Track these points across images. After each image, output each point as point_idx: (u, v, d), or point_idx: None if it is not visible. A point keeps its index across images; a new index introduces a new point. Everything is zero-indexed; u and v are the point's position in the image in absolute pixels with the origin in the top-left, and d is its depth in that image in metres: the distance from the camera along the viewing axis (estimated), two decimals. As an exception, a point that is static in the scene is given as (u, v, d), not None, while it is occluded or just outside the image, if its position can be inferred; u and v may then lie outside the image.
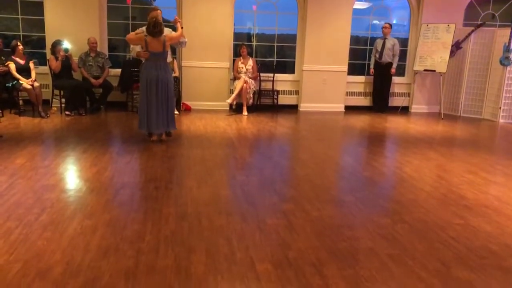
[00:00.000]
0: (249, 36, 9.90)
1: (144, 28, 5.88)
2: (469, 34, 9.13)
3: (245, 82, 8.56)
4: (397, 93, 9.86)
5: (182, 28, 6.00)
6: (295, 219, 3.50)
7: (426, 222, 3.56)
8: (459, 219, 3.63)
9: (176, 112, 8.27)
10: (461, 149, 6.43)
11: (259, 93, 9.20)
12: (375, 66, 9.44)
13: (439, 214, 3.74)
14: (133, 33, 5.95)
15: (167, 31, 6.01)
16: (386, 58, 9.29)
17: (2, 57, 7.53)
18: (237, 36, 9.52)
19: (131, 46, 6.59)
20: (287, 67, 9.78)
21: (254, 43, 9.74)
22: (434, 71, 9.19)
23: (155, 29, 5.50)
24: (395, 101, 9.80)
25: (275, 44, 9.65)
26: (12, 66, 7.35)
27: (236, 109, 8.93)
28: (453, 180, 4.77)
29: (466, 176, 4.94)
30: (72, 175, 4.59)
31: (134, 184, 4.25)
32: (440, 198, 4.16)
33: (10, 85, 7.37)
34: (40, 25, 8.57)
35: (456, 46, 9.23)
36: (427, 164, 5.46)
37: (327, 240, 3.16)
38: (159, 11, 5.99)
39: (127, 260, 2.74)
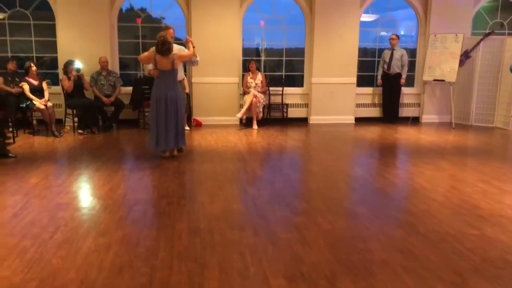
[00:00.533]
0: (257, 51, 9.99)
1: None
2: (478, 43, 9.10)
3: (255, 96, 8.61)
4: (407, 103, 9.84)
5: (194, 47, 6.06)
6: (308, 232, 3.49)
7: (440, 233, 3.53)
8: (473, 230, 3.60)
9: (187, 128, 8.36)
10: (474, 158, 6.38)
11: (269, 107, 9.24)
12: (384, 77, 9.45)
13: (453, 224, 3.71)
14: (145, 53, 6.01)
15: (178, 49, 6.07)
16: (395, 69, 9.30)
17: (16, 79, 7.68)
18: (246, 51, 9.61)
19: (143, 64, 6.67)
20: (296, 81, 9.83)
21: (262, 58, 9.82)
22: (444, 80, 9.16)
23: (163, 47, 5.56)
24: (405, 112, 9.77)
25: (284, 58, 9.71)
26: (26, 87, 7.49)
27: (246, 123, 8.97)
28: (466, 190, 4.72)
29: (479, 185, 4.89)
30: (85, 193, 4.64)
31: (147, 200, 4.28)
32: (454, 208, 4.13)
33: (24, 105, 7.50)
34: (52, 46, 8.75)
35: (465, 56, 9.20)
36: (439, 174, 5.42)
37: (340, 253, 3.14)
38: (171, 30, 6.06)
39: (141, 277, 2.75)
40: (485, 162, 6.01)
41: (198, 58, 6.33)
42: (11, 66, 7.95)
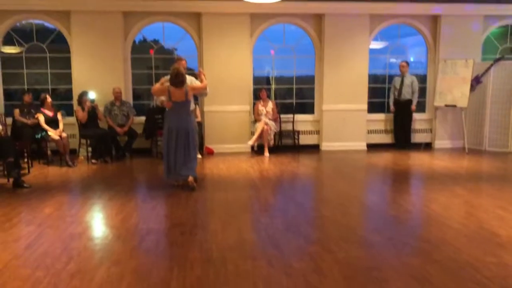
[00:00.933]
0: (268, 80, 10.10)
1: (167, 77, 6.04)
2: (489, 68, 9.10)
3: (266, 124, 8.66)
4: (419, 129, 9.80)
5: (205, 78, 6.13)
6: (322, 262, 3.44)
7: (458, 261, 3.45)
8: (492, 257, 3.51)
9: (199, 156, 8.40)
10: (489, 184, 6.29)
11: (280, 134, 9.27)
12: (395, 103, 9.46)
13: (471, 252, 3.63)
14: (157, 84, 6.05)
15: (189, 80, 6.14)
16: (406, 95, 9.32)
17: (32, 110, 7.84)
18: (256, 79, 9.72)
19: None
20: (307, 108, 9.88)
21: (273, 86, 9.92)
22: (455, 106, 9.14)
23: (177, 79, 5.62)
24: (417, 138, 9.73)
25: (294, 86, 9.80)
26: (41, 118, 7.63)
27: (257, 150, 9.00)
28: (483, 217, 4.64)
29: (496, 211, 4.81)
30: (98, 223, 4.65)
31: (160, 230, 4.27)
32: (471, 236, 4.05)
33: (39, 136, 7.62)
34: (67, 78, 8.95)
35: (476, 81, 9.19)
36: (455, 200, 5.34)
37: (355, 283, 3.09)
38: (183, 61, 6.15)
39: (154, 308, 2.72)
40: (501, 188, 5.91)
41: (208, 91, 6.37)
42: (27, 98, 8.18)
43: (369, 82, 9.56)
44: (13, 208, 5.03)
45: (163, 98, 6.04)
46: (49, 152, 7.96)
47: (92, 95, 8.07)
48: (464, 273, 3.24)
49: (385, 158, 8.42)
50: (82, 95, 8.08)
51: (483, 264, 3.39)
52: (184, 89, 5.71)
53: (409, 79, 9.36)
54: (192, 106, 6.23)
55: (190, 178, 5.80)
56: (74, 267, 3.35)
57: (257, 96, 9.24)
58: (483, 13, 9.45)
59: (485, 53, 9.81)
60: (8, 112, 8.57)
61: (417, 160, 8.26)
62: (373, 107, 9.83)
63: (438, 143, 9.72)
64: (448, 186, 6.02)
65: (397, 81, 9.46)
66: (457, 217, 4.67)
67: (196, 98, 8.40)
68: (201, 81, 6.14)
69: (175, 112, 5.78)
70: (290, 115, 9.35)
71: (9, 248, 3.77)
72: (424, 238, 4.04)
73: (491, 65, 9.09)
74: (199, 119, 8.65)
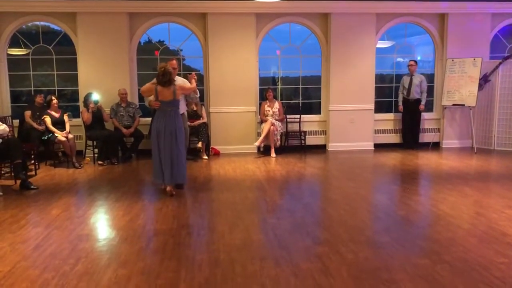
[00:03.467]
0: (274, 80, 10.07)
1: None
2: (497, 67, 9.03)
3: (272, 124, 8.63)
4: (427, 129, 9.74)
5: (196, 84, 6.06)
6: (330, 263, 3.41)
7: (468, 261, 3.41)
8: (503, 258, 3.47)
9: (205, 157, 8.40)
10: (498, 183, 6.22)
11: (286, 134, 9.24)
12: (404, 103, 9.40)
13: (480, 252, 3.59)
14: (146, 84, 5.85)
15: (182, 81, 6.07)
16: (414, 94, 9.26)
17: (37, 113, 7.84)
18: (262, 80, 9.70)
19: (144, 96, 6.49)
20: (313, 108, 9.84)
21: (279, 86, 9.89)
22: (463, 105, 9.07)
23: (164, 78, 5.49)
24: (425, 137, 9.66)
25: (300, 86, 9.77)
26: (47, 119, 7.65)
27: (264, 151, 8.97)
28: (492, 216, 4.59)
29: (506, 211, 4.75)
30: (105, 224, 4.65)
31: (167, 231, 4.26)
32: (480, 236, 4.01)
33: (46, 138, 7.65)
34: (73, 79, 8.97)
35: (484, 80, 9.12)
36: (464, 200, 5.29)
37: (364, 284, 3.06)
38: (173, 60, 6.01)
39: (161, 310, 2.71)
40: (510, 188, 5.85)
41: (198, 95, 6.29)
42: (39, 99, 8.15)
43: (376, 82, 9.51)
44: (21, 209, 5.04)
45: (151, 98, 5.85)
46: (60, 154, 7.98)
47: (95, 96, 8.06)
48: (475, 273, 3.20)
49: (392, 158, 8.37)
50: (88, 97, 8.09)
51: (494, 264, 3.35)
52: (172, 88, 5.57)
53: (418, 78, 9.30)
54: (183, 108, 6.06)
55: (168, 188, 5.58)
56: (81, 269, 3.34)
57: (263, 97, 9.22)
58: (491, 11, 9.37)
59: (493, 51, 9.72)
60: (15, 114, 8.61)
61: (425, 159, 8.20)
62: (380, 107, 9.78)
63: (446, 143, 9.65)
64: (457, 186, 5.97)
65: (405, 80, 9.40)
66: (466, 217, 4.62)
67: (202, 99, 8.42)
68: (191, 83, 6.08)
69: (163, 112, 5.61)
70: (297, 116, 9.32)
71: (17, 249, 3.78)
72: (433, 238, 4.00)
73: (500, 63, 9.01)
74: (205, 119, 8.65)
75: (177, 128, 5.59)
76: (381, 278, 3.14)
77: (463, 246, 3.74)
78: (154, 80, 5.70)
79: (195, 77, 6.18)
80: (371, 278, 3.15)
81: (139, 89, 9.21)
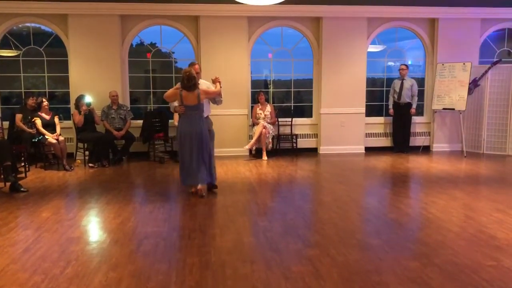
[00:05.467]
0: (266, 83, 10.10)
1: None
2: (486, 71, 9.13)
3: (264, 127, 8.65)
4: (418, 132, 9.81)
5: (221, 87, 5.98)
6: (321, 265, 3.43)
7: (457, 264, 3.45)
8: (491, 261, 3.51)
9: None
10: (487, 187, 6.29)
11: (278, 137, 9.26)
12: (395, 106, 9.46)
13: (469, 255, 3.63)
14: (170, 89, 5.88)
15: (206, 85, 5.99)
16: (405, 98, 9.32)
17: (29, 116, 7.77)
18: (254, 83, 9.72)
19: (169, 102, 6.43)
20: (305, 111, 9.88)
21: (271, 89, 9.91)
22: (453, 109, 9.15)
23: (189, 83, 5.52)
24: (416, 141, 9.74)
25: (292, 89, 9.80)
26: (38, 121, 7.60)
27: (255, 154, 8.98)
28: (481, 220, 4.64)
29: (494, 215, 4.81)
30: (96, 227, 4.62)
31: (158, 233, 4.25)
32: (470, 239, 4.04)
33: (36, 140, 7.59)
34: (65, 82, 8.92)
35: (474, 84, 9.22)
36: (453, 203, 5.34)
37: (355, 286, 3.07)
38: (196, 65, 5.96)
39: (152, 313, 2.70)
40: (499, 191, 5.92)
41: (222, 98, 6.22)
42: (31, 102, 8.01)
43: (367, 86, 9.57)
44: (10, 212, 5.00)
45: (175, 103, 5.81)
46: (50, 156, 7.93)
47: (88, 98, 8.03)
48: (464, 276, 3.23)
49: (383, 161, 8.42)
50: (79, 99, 8.05)
51: (482, 267, 3.38)
52: (196, 92, 5.60)
53: (409, 82, 9.37)
54: (208, 111, 6.07)
55: (199, 187, 5.72)
56: (72, 272, 3.32)
57: (255, 100, 9.23)
58: (480, 17, 9.48)
59: (483, 56, 9.84)
60: (4, 116, 8.54)
61: (416, 163, 8.26)
62: (371, 111, 9.84)
63: (436, 146, 9.73)
64: (447, 189, 6.03)
65: (396, 84, 9.47)
66: (456, 220, 4.67)
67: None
68: (216, 87, 6.00)
69: (187, 116, 5.67)
70: (288, 119, 9.35)
71: (7, 252, 3.75)
72: (423, 241, 4.03)
73: (489, 68, 9.12)
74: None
75: (202, 131, 5.66)
76: (372, 280, 3.16)
77: (452, 249, 3.77)
78: (178, 85, 5.72)
79: (220, 80, 6.07)
80: (361, 280, 3.17)
81: (130, 92, 9.21)
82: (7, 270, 3.36)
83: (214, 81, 6.06)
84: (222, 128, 9.03)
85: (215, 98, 6.04)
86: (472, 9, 9.32)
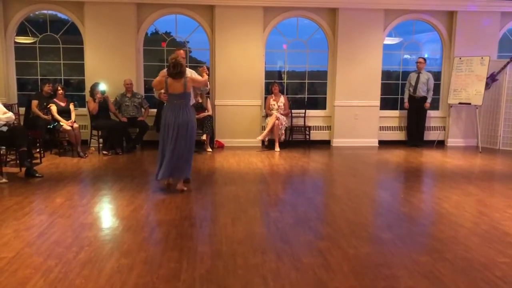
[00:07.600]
0: (280, 74, 10.06)
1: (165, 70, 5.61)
2: (505, 66, 8.96)
3: (277, 118, 8.63)
4: (432, 127, 9.71)
5: (208, 76, 5.82)
6: (332, 258, 3.43)
7: (469, 260, 3.42)
8: (504, 257, 3.47)
9: (209, 149, 8.42)
10: (502, 183, 6.21)
11: (291, 129, 9.24)
12: (410, 100, 9.36)
13: (482, 251, 3.59)
14: (157, 78, 5.66)
15: (189, 72, 5.78)
16: (421, 92, 9.21)
17: (45, 103, 7.86)
18: (268, 74, 9.69)
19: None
20: (319, 103, 9.83)
21: (285, 81, 9.87)
22: (470, 104, 9.02)
23: (175, 70, 5.27)
24: (430, 135, 9.64)
25: (306, 81, 9.74)
26: (53, 108, 7.69)
27: (268, 145, 8.98)
28: (495, 216, 4.59)
29: (508, 211, 4.75)
30: (109, 214, 4.68)
31: (170, 221, 4.28)
32: (482, 235, 4.00)
33: (51, 126, 7.68)
34: (80, 69, 8.99)
35: (492, 79, 9.07)
36: (467, 199, 5.29)
37: (365, 279, 3.07)
38: (181, 51, 5.75)
39: (163, 299, 2.73)
40: (514, 187, 5.84)
41: (208, 88, 6.10)
42: (47, 88, 8.13)
43: (382, 78, 9.48)
44: (25, 197, 5.08)
45: (162, 91, 5.60)
46: (65, 143, 8.02)
47: (102, 86, 8.09)
48: (475, 272, 3.20)
49: (397, 155, 8.36)
50: (94, 87, 8.12)
51: (495, 263, 3.35)
52: (183, 80, 5.35)
53: (425, 76, 9.26)
54: (192, 100, 5.88)
55: (179, 186, 5.45)
56: (84, 257, 3.37)
57: (269, 91, 9.21)
58: (500, 10, 9.30)
59: (502, 50, 9.66)
60: (21, 102, 8.64)
61: (429, 157, 8.18)
62: (385, 104, 9.75)
63: (451, 141, 9.62)
64: (461, 185, 5.96)
65: (412, 77, 9.36)
66: (468, 216, 4.62)
67: (208, 92, 8.39)
68: (203, 76, 5.82)
69: (172, 105, 5.40)
70: (302, 110, 9.31)
71: (21, 236, 3.81)
72: (435, 236, 4.00)
73: (508, 63, 8.95)
74: (210, 112, 8.65)
75: (188, 122, 5.37)
76: (382, 274, 3.15)
77: (464, 245, 3.74)
78: (164, 72, 5.51)
79: (207, 71, 5.96)
80: (371, 273, 3.16)
81: (145, 80, 9.25)
82: (22, 254, 3.42)
83: (201, 71, 5.98)
84: (235, 119, 9.06)
85: (201, 88, 5.94)
86: (492, 2, 9.14)
